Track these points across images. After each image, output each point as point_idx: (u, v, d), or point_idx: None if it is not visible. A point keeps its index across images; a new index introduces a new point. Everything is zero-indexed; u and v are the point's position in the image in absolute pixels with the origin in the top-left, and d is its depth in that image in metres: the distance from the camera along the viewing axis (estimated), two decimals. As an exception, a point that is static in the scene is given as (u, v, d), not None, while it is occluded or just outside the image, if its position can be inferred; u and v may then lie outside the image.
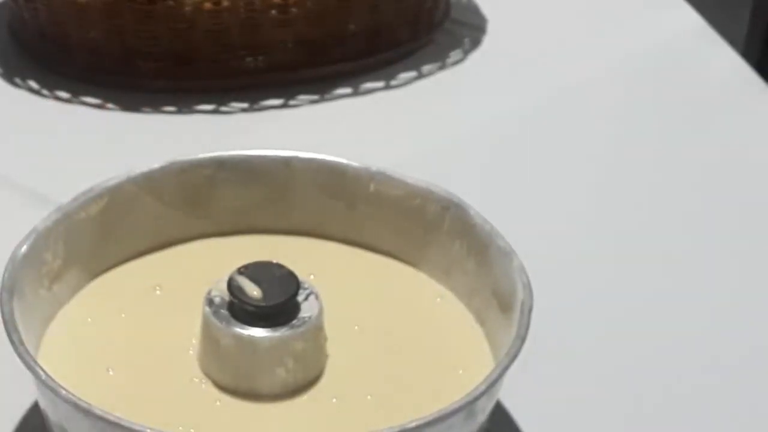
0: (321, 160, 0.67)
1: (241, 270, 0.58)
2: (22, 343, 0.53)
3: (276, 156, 0.67)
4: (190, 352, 0.59)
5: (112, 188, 0.64)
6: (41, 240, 0.60)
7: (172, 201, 0.66)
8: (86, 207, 0.63)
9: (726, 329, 0.71)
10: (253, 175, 0.67)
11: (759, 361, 0.69)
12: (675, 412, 0.65)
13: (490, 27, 1.05)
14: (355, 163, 0.66)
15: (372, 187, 0.66)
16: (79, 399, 0.51)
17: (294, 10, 0.93)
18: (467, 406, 0.52)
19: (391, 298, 0.65)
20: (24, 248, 0.59)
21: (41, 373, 0.52)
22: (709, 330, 0.71)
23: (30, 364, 0.53)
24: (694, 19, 1.08)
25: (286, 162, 0.67)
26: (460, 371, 0.59)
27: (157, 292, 0.63)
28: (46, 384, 0.52)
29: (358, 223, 0.67)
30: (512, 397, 0.62)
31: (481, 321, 0.62)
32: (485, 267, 0.62)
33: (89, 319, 0.61)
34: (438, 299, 0.64)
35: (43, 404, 0.55)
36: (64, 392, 0.51)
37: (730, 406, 0.66)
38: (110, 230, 0.64)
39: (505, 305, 0.59)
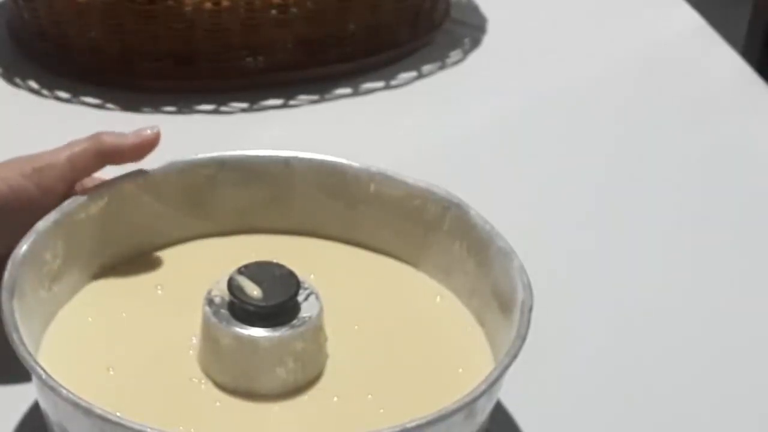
0: (321, 160, 0.67)
1: (241, 270, 0.58)
2: (22, 342, 0.53)
3: (276, 156, 0.67)
4: (191, 352, 0.59)
5: (112, 188, 0.64)
6: (41, 240, 0.60)
7: (172, 201, 0.66)
8: (86, 207, 0.63)
9: (726, 329, 0.71)
10: (253, 175, 0.67)
11: (760, 360, 0.69)
12: (675, 411, 0.65)
13: (490, 27, 1.06)
14: (355, 164, 0.66)
15: (372, 188, 0.66)
16: (80, 398, 0.51)
17: (294, 10, 0.93)
18: (467, 406, 0.52)
19: (390, 298, 0.65)
20: (24, 248, 0.59)
21: (41, 372, 0.52)
22: (710, 329, 0.71)
23: (30, 363, 0.53)
24: (694, 19, 1.08)
25: (286, 162, 0.67)
26: (460, 371, 0.59)
27: (159, 291, 0.63)
28: (47, 383, 0.52)
29: (358, 224, 0.67)
30: (512, 397, 0.62)
31: (481, 321, 0.62)
32: (485, 267, 0.62)
33: (90, 319, 0.61)
34: (438, 299, 0.64)
35: (44, 404, 0.55)
36: (65, 392, 0.51)
37: (730, 406, 0.66)
38: (110, 230, 0.64)
39: (505, 305, 0.59)
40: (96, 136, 0.64)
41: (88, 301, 0.62)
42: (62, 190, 0.63)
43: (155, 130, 0.64)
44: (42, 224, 0.61)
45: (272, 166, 0.67)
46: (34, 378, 0.53)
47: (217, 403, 0.57)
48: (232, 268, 0.59)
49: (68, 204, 0.62)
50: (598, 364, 0.68)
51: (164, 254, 0.66)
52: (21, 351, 0.53)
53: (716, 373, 0.68)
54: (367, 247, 0.67)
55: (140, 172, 0.65)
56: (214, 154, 0.67)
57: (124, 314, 0.62)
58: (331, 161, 0.67)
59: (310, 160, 0.67)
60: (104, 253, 0.64)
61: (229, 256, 0.61)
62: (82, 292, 0.63)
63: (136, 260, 0.65)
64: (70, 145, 0.64)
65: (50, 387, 0.52)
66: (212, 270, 0.60)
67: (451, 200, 0.64)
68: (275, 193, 0.67)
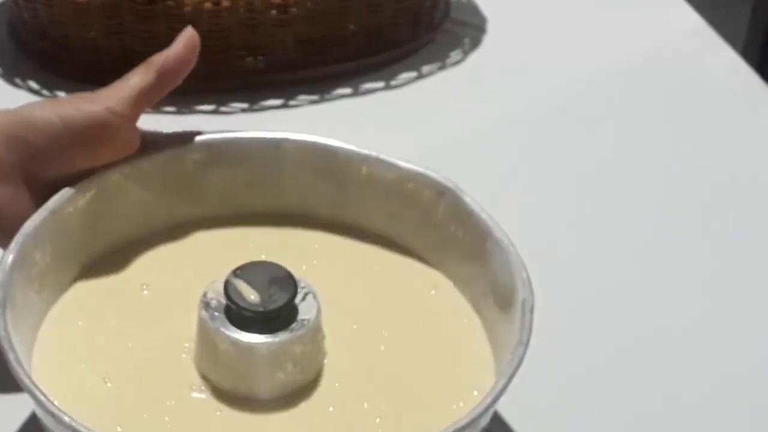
0: (312, 142, 0.66)
1: (237, 272, 0.57)
2: (19, 362, 0.52)
3: (266, 138, 0.66)
4: (183, 355, 0.58)
5: (98, 179, 0.62)
6: (30, 241, 0.58)
7: (160, 188, 0.64)
8: (74, 201, 0.61)
9: (727, 329, 0.71)
10: (242, 157, 0.65)
11: (761, 360, 0.69)
12: (675, 413, 0.65)
13: (490, 27, 1.05)
14: (346, 145, 0.65)
15: (364, 170, 0.65)
16: (83, 426, 0.49)
17: (294, 10, 0.93)
18: (473, 423, 0.51)
19: (386, 290, 0.64)
20: (13, 254, 0.57)
21: (42, 398, 0.51)
22: (711, 331, 0.71)
23: (30, 387, 0.51)
24: (694, 19, 1.08)
25: (277, 144, 0.66)
26: (459, 369, 0.59)
27: (145, 292, 0.62)
28: (47, 409, 0.50)
29: (349, 205, 0.66)
30: (512, 396, 0.62)
31: (478, 310, 0.61)
32: (481, 254, 0.61)
33: (80, 323, 0.60)
34: (433, 291, 0.63)
35: (42, 420, 0.54)
36: (67, 419, 0.50)
37: (731, 410, 0.66)
38: (98, 221, 0.62)
39: (504, 301, 0.58)
40: (146, 61, 0.65)
41: (77, 301, 0.61)
42: (130, 114, 0.63)
43: (189, 29, 0.65)
44: (29, 224, 0.59)
45: (262, 148, 0.66)
46: (33, 401, 0.52)
47: (218, 413, 0.56)
48: (223, 264, 0.57)
49: (54, 201, 0.60)
50: (598, 364, 0.68)
51: (152, 248, 0.64)
52: (19, 374, 0.51)
53: (718, 377, 0.68)
54: (359, 230, 0.66)
55: (127, 162, 0.63)
56: (202, 137, 0.66)
57: (113, 317, 0.60)
58: (322, 143, 0.66)
59: (301, 142, 0.66)
60: (93, 245, 0.63)
61: (219, 251, 0.60)
62: (71, 289, 0.61)
63: (124, 255, 0.64)
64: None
65: (51, 413, 0.50)
66: (202, 266, 0.59)
67: (446, 185, 0.63)
68: (265, 174, 0.66)
